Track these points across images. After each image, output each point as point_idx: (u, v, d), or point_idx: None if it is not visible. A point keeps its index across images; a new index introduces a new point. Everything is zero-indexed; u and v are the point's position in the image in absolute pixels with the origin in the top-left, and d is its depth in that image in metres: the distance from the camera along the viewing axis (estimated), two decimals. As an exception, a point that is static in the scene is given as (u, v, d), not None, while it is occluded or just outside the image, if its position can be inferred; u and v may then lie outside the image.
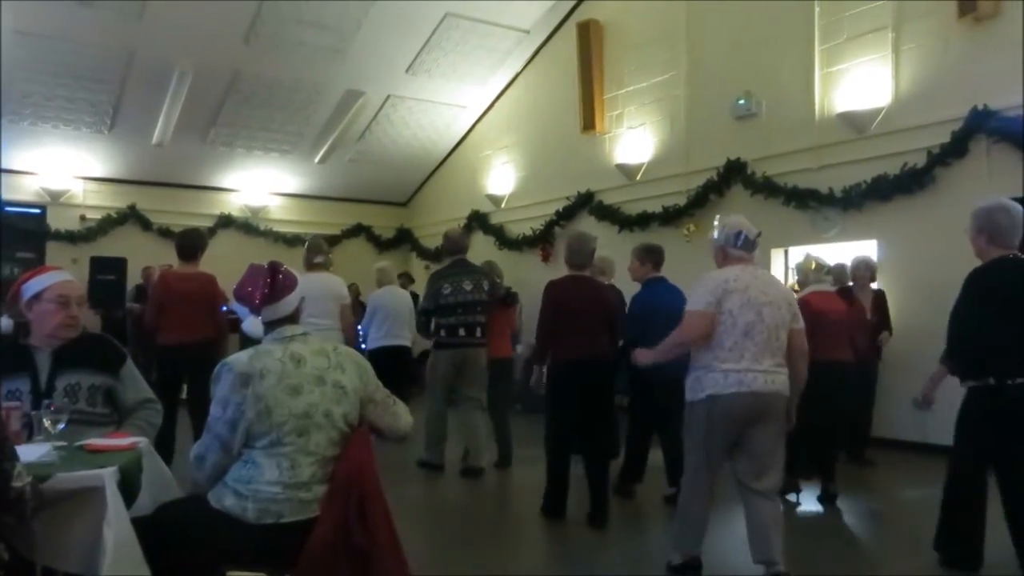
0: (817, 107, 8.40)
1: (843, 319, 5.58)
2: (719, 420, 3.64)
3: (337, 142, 12.82)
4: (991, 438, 3.81)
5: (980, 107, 7.02)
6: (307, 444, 2.57)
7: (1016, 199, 6.99)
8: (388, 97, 12.23)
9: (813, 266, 5.77)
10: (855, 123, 8.03)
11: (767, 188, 8.64)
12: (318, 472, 2.58)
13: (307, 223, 13.73)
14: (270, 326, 2.75)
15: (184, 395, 6.01)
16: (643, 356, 4.15)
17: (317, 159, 13.17)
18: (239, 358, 2.62)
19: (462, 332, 6.43)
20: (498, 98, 12.84)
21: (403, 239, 14.94)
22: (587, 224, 11.00)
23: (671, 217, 9.65)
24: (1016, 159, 6.81)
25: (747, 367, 3.59)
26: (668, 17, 10.02)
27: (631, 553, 4.58)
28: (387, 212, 14.99)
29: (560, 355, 5.03)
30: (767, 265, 8.42)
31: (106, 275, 11.05)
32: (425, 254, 14.22)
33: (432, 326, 6.55)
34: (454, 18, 10.88)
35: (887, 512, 5.62)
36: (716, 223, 3.94)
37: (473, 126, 13.41)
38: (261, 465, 2.55)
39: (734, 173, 9.04)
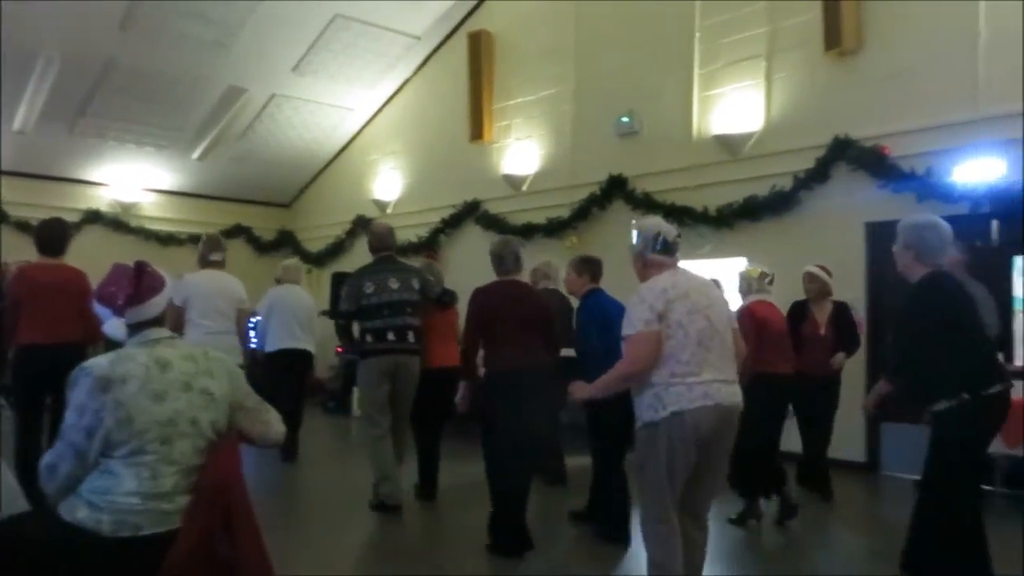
0: (695, 128, 8.76)
1: (785, 330, 5.50)
2: (686, 439, 3.20)
3: (218, 139, 12.38)
4: (970, 455, 3.63)
5: (842, 136, 7.50)
6: (171, 453, 2.47)
7: (870, 224, 7.54)
8: (273, 96, 11.92)
9: (757, 274, 5.54)
10: (729, 146, 8.41)
11: (646, 204, 8.92)
12: (181, 482, 2.48)
13: (183, 221, 13.20)
14: (134, 329, 2.64)
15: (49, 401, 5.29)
16: (580, 391, 3.61)
17: (196, 155, 12.68)
18: (98, 362, 2.50)
19: (391, 336, 5.57)
20: (387, 103, 12.74)
21: (284, 242, 14.54)
22: (472, 233, 11.06)
23: (555, 229, 9.83)
24: (872, 186, 7.32)
25: (711, 378, 3.25)
26: (558, 33, 10.22)
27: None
28: (268, 213, 14.58)
29: (493, 367, 4.62)
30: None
31: (-45, 270, 10.26)
32: (307, 258, 13.90)
33: (356, 332, 5.71)
34: (343, 19, 10.72)
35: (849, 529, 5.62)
36: (633, 226, 3.62)
37: (361, 130, 13.24)
38: (119, 475, 2.42)
39: (616, 188, 9.30)
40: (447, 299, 6.14)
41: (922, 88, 7.12)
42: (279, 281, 7.83)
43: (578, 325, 5.07)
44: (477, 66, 11.02)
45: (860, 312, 7.11)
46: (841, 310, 6.27)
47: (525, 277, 5.13)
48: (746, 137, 8.32)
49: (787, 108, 8.11)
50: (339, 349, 11.53)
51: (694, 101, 8.77)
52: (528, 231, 10.10)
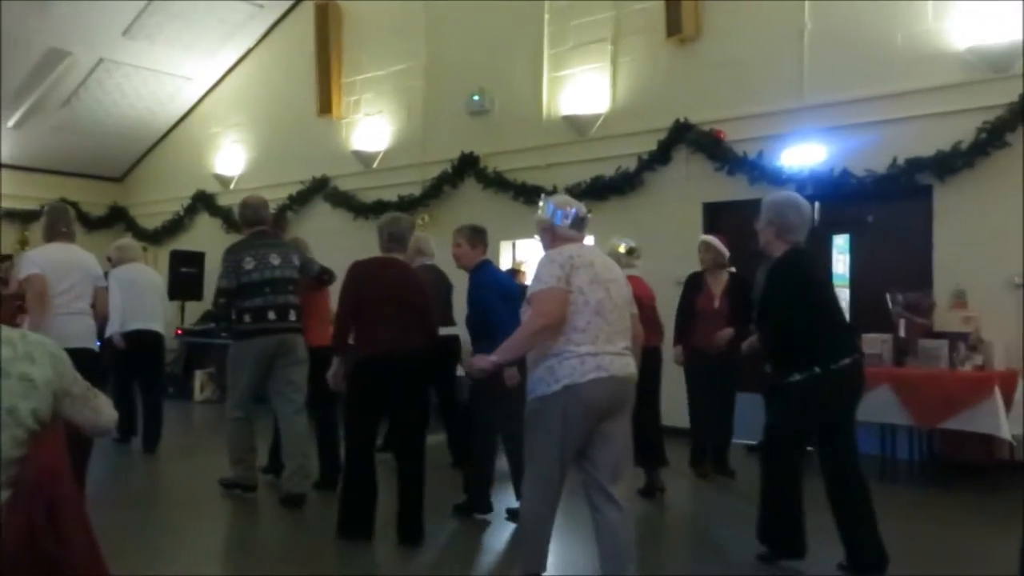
0: (545, 108, 8.92)
1: (655, 304, 5.45)
2: (579, 413, 3.21)
3: (37, 106, 11.44)
4: (813, 425, 3.86)
5: (682, 120, 7.85)
6: (-15, 446, 2.27)
7: (708, 204, 7.93)
8: (101, 60, 11.11)
9: (623, 249, 5.36)
10: (577, 126, 8.62)
11: (498, 183, 9.02)
12: (-1, 476, 2.29)
13: (-3, 196, 12.13)
14: (-60, 311, 2.40)
15: None
16: (482, 362, 3.47)
17: (11, 123, 11.67)
18: None
19: (272, 315, 5.28)
20: (228, 73, 12.17)
21: (117, 218, 13.67)
22: (322, 210, 10.80)
23: (406, 206, 9.71)
24: (709, 168, 7.72)
25: (602, 349, 3.25)
26: (407, 8, 10.08)
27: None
28: (98, 187, 13.63)
29: (362, 347, 4.50)
30: (495, 258, 8.80)
31: None
32: (143, 235, 13.10)
33: (233, 311, 5.33)
34: (179, -18, 10.15)
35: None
36: (542, 202, 3.65)
37: (200, 100, 12.59)
38: (-76, 472, 2.20)
39: (467, 166, 9.34)
40: (327, 277, 5.90)
41: (754, 77, 7.56)
42: (111, 261, 7.35)
43: (478, 299, 4.83)
44: (325, 38, 10.71)
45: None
46: (737, 281, 5.96)
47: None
48: (593, 118, 8.55)
49: (631, 91, 8.39)
50: (178, 331, 10.99)
51: (543, 81, 8.92)
52: (380, 208, 9.95)
